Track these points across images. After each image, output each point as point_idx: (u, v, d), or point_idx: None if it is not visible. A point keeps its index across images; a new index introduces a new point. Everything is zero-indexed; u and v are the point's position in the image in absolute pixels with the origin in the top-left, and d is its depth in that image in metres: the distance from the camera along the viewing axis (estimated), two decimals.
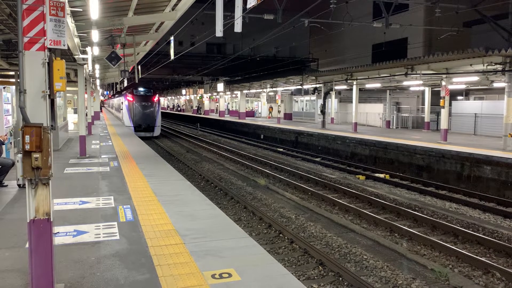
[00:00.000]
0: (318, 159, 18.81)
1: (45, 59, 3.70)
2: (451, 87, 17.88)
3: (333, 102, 30.81)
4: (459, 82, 19.70)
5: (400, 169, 15.72)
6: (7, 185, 8.33)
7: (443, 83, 16.95)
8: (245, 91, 37.55)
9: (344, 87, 25.36)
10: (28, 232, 3.71)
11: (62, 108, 17.96)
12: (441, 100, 17.13)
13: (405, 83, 21.39)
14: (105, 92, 58.23)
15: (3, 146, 8.67)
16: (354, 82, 22.45)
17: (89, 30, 10.50)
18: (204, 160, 18.50)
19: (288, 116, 37.43)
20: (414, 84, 22.09)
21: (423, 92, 25.79)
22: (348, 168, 16.57)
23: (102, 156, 12.94)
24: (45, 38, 3.67)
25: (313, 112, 34.62)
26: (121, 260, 4.65)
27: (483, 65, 14.58)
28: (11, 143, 10.59)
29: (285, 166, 16.26)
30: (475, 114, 21.23)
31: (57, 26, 3.79)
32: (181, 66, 42.42)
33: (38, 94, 3.69)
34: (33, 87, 3.67)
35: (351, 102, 24.64)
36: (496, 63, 14.14)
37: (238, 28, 8.70)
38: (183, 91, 56.11)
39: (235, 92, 39.89)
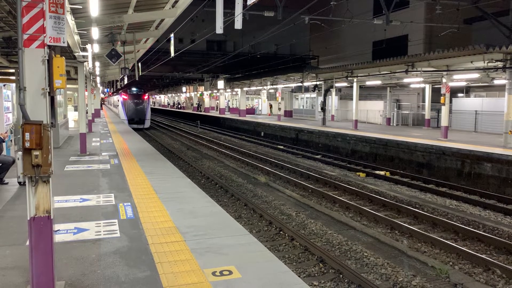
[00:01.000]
0: (318, 157, 18.80)
1: (45, 56, 3.69)
2: (451, 84, 17.86)
3: (333, 100, 30.78)
4: (459, 79, 19.67)
5: (400, 166, 15.72)
6: (8, 183, 8.34)
7: (444, 80, 16.92)
8: (245, 89, 37.51)
9: (345, 84, 25.34)
10: (28, 229, 3.71)
11: (62, 106, 17.96)
12: (441, 97, 17.11)
13: (406, 80, 21.36)
14: (106, 90, 58.19)
15: (4, 144, 8.66)
16: (355, 79, 22.41)
17: (89, 28, 10.48)
18: (204, 157, 18.50)
19: (288, 114, 37.41)
20: (414, 81, 22.06)
21: (423, 89, 25.77)
22: (348, 165, 16.56)
23: (103, 154, 12.94)
24: (44, 35, 3.66)
25: (313, 110, 34.59)
26: (121, 258, 4.65)
27: (484, 62, 14.55)
28: (11, 140, 10.60)
29: (285, 163, 16.26)
30: (476, 111, 21.21)
31: (56, 23, 3.78)
32: (181, 64, 42.36)
33: (38, 92, 3.68)
34: (33, 84, 3.66)
35: (352, 99, 24.62)
36: (496, 60, 14.10)
37: (238, 25, 8.68)
38: (183, 89, 56.06)
39: (236, 89, 39.85)
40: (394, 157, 16.22)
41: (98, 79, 29.30)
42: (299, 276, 5.53)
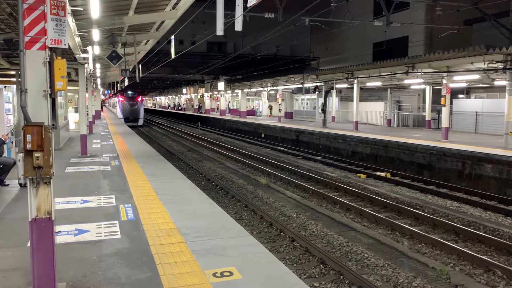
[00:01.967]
0: (319, 158, 18.81)
1: (46, 58, 3.70)
2: (452, 85, 17.87)
3: (334, 101, 30.77)
4: (460, 80, 19.67)
5: (401, 167, 15.72)
6: (9, 184, 8.35)
7: (444, 81, 16.93)
8: (246, 90, 37.53)
9: (345, 85, 25.34)
10: (29, 231, 3.72)
11: (63, 107, 17.98)
12: (442, 99, 17.11)
13: (406, 81, 21.36)
14: (106, 91, 58.24)
15: (5, 146, 8.68)
16: (355, 81, 22.43)
17: (90, 29, 10.50)
18: (205, 159, 18.51)
19: (289, 115, 37.42)
20: (415, 82, 22.06)
21: (424, 91, 25.77)
22: (349, 166, 16.56)
23: (103, 155, 12.95)
24: (46, 37, 3.67)
25: (314, 111, 34.60)
26: (122, 259, 4.66)
27: (484, 63, 14.55)
28: (12, 142, 10.62)
29: (286, 164, 16.26)
30: (476, 112, 21.20)
31: (58, 25, 3.79)
32: (182, 65, 42.40)
33: (39, 93, 3.70)
34: (34, 86, 3.68)
35: (352, 100, 24.63)
36: (497, 61, 14.10)
37: (238, 26, 8.70)
38: (184, 90, 56.11)
39: (236, 91, 39.87)
40: (395, 159, 16.22)
41: (98, 81, 29.34)
42: (299, 277, 5.54)
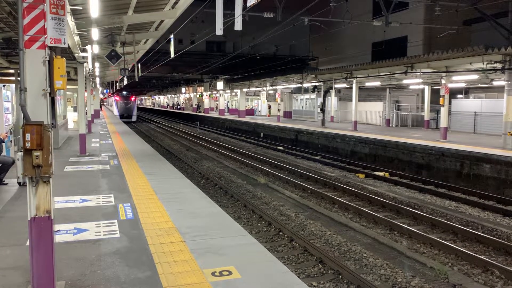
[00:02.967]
0: (317, 157, 18.82)
1: (46, 57, 3.71)
2: (451, 85, 17.89)
3: (332, 101, 30.82)
4: (458, 81, 19.70)
5: (399, 167, 15.74)
6: (8, 183, 8.35)
7: (443, 81, 16.95)
8: (245, 89, 37.52)
9: (344, 85, 25.36)
10: (29, 230, 3.73)
11: (62, 106, 17.96)
12: (440, 99, 17.14)
13: (405, 81, 21.38)
14: (105, 90, 58.23)
15: (3, 144, 8.68)
16: (354, 81, 22.44)
17: (89, 28, 10.50)
18: (204, 158, 18.51)
19: (288, 115, 37.43)
20: (413, 82, 22.09)
21: (422, 91, 25.78)
22: (347, 166, 16.58)
23: (102, 154, 12.95)
24: (45, 36, 3.68)
25: (312, 111, 34.62)
26: (121, 258, 4.67)
27: (483, 63, 14.58)
28: (11, 141, 10.61)
29: (284, 164, 16.27)
30: (475, 112, 21.24)
31: (57, 24, 3.80)
32: (181, 64, 42.40)
33: (39, 92, 3.70)
34: (34, 85, 3.68)
35: (351, 100, 24.65)
36: (495, 62, 14.14)
37: (238, 26, 8.71)
38: (183, 89, 56.09)
39: (235, 90, 39.87)
40: (394, 158, 16.24)
41: (97, 80, 29.33)
42: (298, 277, 5.55)
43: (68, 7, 7.55)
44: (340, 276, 6.18)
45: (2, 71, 17.07)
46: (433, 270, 6.52)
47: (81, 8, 8.47)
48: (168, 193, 7.82)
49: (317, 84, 26.59)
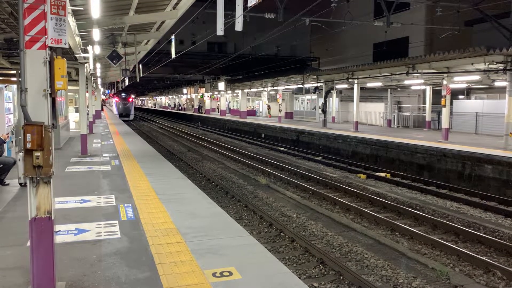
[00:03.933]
0: (319, 158, 18.80)
1: (46, 58, 3.70)
2: (452, 86, 17.87)
3: (334, 101, 30.77)
4: (460, 81, 19.67)
5: (401, 168, 15.71)
6: (9, 184, 8.35)
7: (445, 82, 16.93)
8: (246, 90, 37.53)
9: (345, 86, 25.35)
10: (29, 230, 3.73)
11: (64, 106, 17.97)
12: (442, 99, 17.11)
13: (406, 82, 21.37)
14: (106, 91, 58.37)
15: (5, 145, 8.68)
16: (355, 81, 22.43)
17: (90, 29, 10.50)
18: (205, 159, 18.51)
19: (289, 115, 37.42)
20: (415, 83, 22.07)
21: (424, 91, 25.77)
22: (349, 167, 16.56)
23: (104, 155, 12.96)
24: (46, 36, 3.68)
25: (314, 111, 34.61)
26: (122, 259, 4.66)
27: (485, 64, 14.55)
28: (12, 141, 10.62)
29: (286, 165, 16.26)
30: (476, 113, 21.20)
31: (58, 25, 3.80)
32: (182, 65, 42.45)
33: (39, 93, 3.70)
34: (34, 85, 3.68)
35: (352, 101, 24.64)
36: (497, 62, 14.10)
37: (239, 27, 8.70)
38: (184, 90, 56.13)
39: (236, 91, 39.88)
40: (395, 159, 16.22)
41: (99, 81, 29.36)
42: (299, 278, 5.54)
43: (69, 8, 7.56)
44: (341, 277, 6.16)
45: (4, 71, 17.09)
46: (435, 271, 6.50)
47: (82, 9, 8.49)
48: (169, 194, 7.81)
49: (319, 84, 26.58)
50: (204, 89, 47.26)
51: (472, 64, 15.10)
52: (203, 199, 7.48)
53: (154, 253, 4.81)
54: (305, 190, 12.17)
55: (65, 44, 3.85)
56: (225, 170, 15.65)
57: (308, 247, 7.21)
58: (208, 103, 49.90)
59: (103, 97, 53.43)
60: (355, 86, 22.81)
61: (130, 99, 49.32)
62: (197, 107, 53.28)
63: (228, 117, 40.16)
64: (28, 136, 3.57)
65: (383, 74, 19.77)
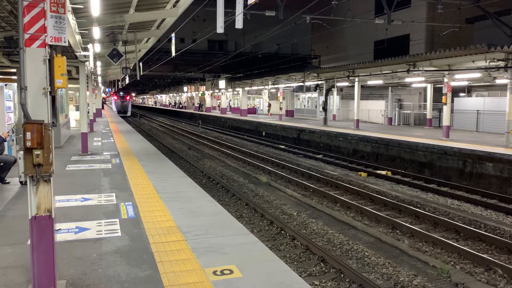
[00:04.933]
0: (320, 156, 18.79)
1: (46, 56, 3.69)
2: (453, 83, 17.84)
3: (335, 99, 30.75)
4: (461, 79, 19.62)
5: (402, 166, 15.70)
6: (9, 182, 8.36)
7: (445, 79, 16.90)
8: (246, 88, 37.49)
9: (346, 84, 25.31)
10: (30, 228, 3.72)
11: (65, 104, 17.97)
12: (443, 97, 17.09)
13: (407, 79, 21.33)
14: (107, 89, 58.46)
15: (5, 144, 8.68)
16: (356, 79, 22.40)
17: (90, 27, 10.49)
18: (205, 157, 18.51)
19: (290, 113, 37.39)
20: (416, 80, 22.02)
21: (425, 89, 25.73)
22: (350, 165, 16.55)
23: (104, 153, 12.96)
24: (45, 35, 3.67)
25: (315, 109, 34.58)
26: (122, 257, 4.66)
27: (486, 61, 14.52)
28: (13, 140, 10.62)
29: (286, 163, 16.25)
30: (477, 111, 21.16)
31: (58, 23, 3.78)
32: (182, 63, 42.36)
33: (39, 91, 3.69)
34: (34, 84, 3.67)
35: (353, 99, 24.60)
36: (498, 60, 14.07)
37: (239, 24, 8.70)
38: (185, 88, 56.13)
39: (237, 89, 39.85)
40: (396, 157, 16.20)
41: (99, 79, 29.34)
42: (300, 276, 5.53)
43: (68, 6, 7.54)
44: (342, 275, 6.16)
45: (4, 70, 17.08)
46: (436, 269, 6.50)
47: (82, 6, 8.47)
48: (170, 192, 7.81)
49: (319, 82, 26.55)
50: (204, 87, 47.23)
51: (473, 61, 15.07)
52: (204, 197, 7.47)
53: (155, 252, 4.81)
54: (305, 188, 12.16)
55: (65, 42, 3.84)
56: (225, 168, 15.65)
57: (309, 245, 7.20)
58: (208, 101, 49.87)
59: (103, 95, 53.54)
60: (356, 84, 22.78)
61: (128, 98, 55.31)
62: (198, 105, 53.26)
63: (229, 115, 40.14)
64: (28, 135, 3.56)
65: (384, 72, 19.74)
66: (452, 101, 20.17)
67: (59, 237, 5.13)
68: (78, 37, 10.71)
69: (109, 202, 7.05)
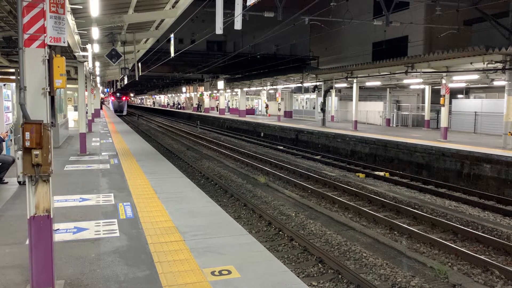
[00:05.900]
0: (318, 157, 18.81)
1: (45, 56, 3.70)
2: (451, 85, 17.88)
3: (333, 100, 30.80)
4: (459, 81, 19.69)
5: (400, 167, 15.73)
6: (8, 182, 8.35)
7: (444, 81, 16.94)
8: (245, 89, 37.50)
9: (344, 85, 25.36)
10: (28, 228, 3.73)
11: (62, 102, 17.94)
12: (441, 98, 17.13)
13: (405, 81, 21.38)
14: (106, 90, 58.51)
15: (3, 143, 8.68)
16: (354, 80, 22.43)
17: (90, 28, 10.49)
18: (204, 157, 18.51)
19: (288, 114, 37.41)
20: (414, 82, 22.08)
21: (423, 90, 25.78)
22: (348, 166, 16.57)
23: (102, 154, 12.95)
24: (45, 35, 3.68)
25: (313, 110, 34.61)
26: (121, 257, 4.67)
27: (484, 63, 14.56)
28: (11, 140, 10.61)
29: (285, 164, 16.27)
30: (475, 112, 21.22)
31: (57, 23, 3.79)
32: (181, 64, 42.35)
33: (38, 91, 3.70)
34: (33, 84, 3.68)
35: (351, 100, 24.63)
36: (496, 61, 14.11)
37: (238, 25, 8.70)
38: (183, 89, 56.13)
39: (235, 90, 39.85)
40: (394, 158, 16.24)
41: (98, 79, 29.33)
42: (298, 276, 5.55)
43: (68, 6, 7.55)
44: (339, 276, 6.18)
45: (3, 70, 17.06)
46: (433, 270, 6.52)
47: (81, 7, 8.47)
48: (168, 192, 7.82)
49: (318, 83, 26.58)
50: (203, 87, 47.23)
51: (471, 63, 15.11)
52: (202, 198, 7.48)
53: (153, 252, 4.82)
54: (304, 189, 12.18)
55: (64, 42, 3.85)
56: (224, 169, 15.66)
57: (307, 246, 7.22)
58: (207, 102, 49.87)
59: (102, 95, 53.50)
60: (354, 85, 22.81)
61: (123, 98, 59.91)
62: (196, 106, 53.24)
63: (227, 116, 40.15)
64: (27, 135, 3.57)
65: (382, 73, 19.78)
66: (450, 103, 20.20)
67: (57, 237, 5.14)
68: (77, 37, 10.71)
69: (107, 202, 7.06)
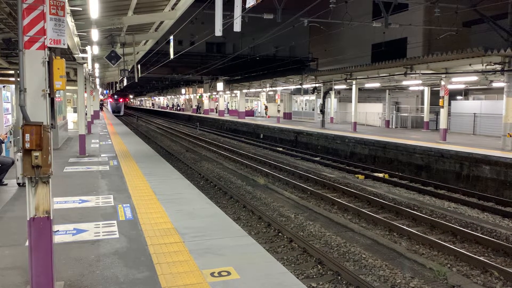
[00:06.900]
0: (317, 159, 18.83)
1: (45, 58, 3.71)
2: (450, 87, 17.90)
3: (332, 102, 30.82)
4: (458, 82, 19.72)
5: (399, 168, 15.74)
6: (7, 184, 8.35)
7: (443, 82, 16.97)
8: (244, 91, 37.53)
9: (344, 86, 25.38)
10: (28, 230, 3.73)
11: (63, 106, 17.95)
12: (440, 100, 17.15)
13: (405, 82, 21.40)
14: (105, 91, 58.38)
15: (3, 145, 8.68)
16: (354, 82, 22.46)
17: (89, 29, 10.51)
18: (203, 159, 18.51)
19: (287, 116, 37.44)
20: (413, 83, 22.11)
21: (422, 92, 25.81)
22: (347, 167, 16.59)
23: (102, 155, 12.95)
24: (45, 37, 3.69)
25: (312, 112, 34.64)
26: (120, 258, 4.67)
27: (482, 65, 14.59)
28: (10, 142, 10.62)
29: (284, 165, 16.28)
30: (474, 114, 21.25)
31: (57, 25, 3.81)
32: (180, 65, 42.38)
33: (38, 93, 3.71)
34: (33, 85, 3.69)
35: (351, 101, 24.65)
36: (495, 63, 14.15)
37: (237, 27, 8.71)
38: (183, 91, 56.14)
39: (235, 91, 39.88)
40: (393, 159, 16.25)
41: (97, 81, 29.34)
42: (297, 278, 5.55)
43: (67, 8, 7.57)
44: (339, 277, 6.18)
45: (2, 71, 17.07)
46: (432, 271, 6.53)
47: (81, 9, 8.49)
48: (168, 194, 7.82)
49: (317, 85, 26.61)
50: (202, 89, 47.22)
51: (470, 65, 15.14)
52: (202, 200, 7.49)
53: (153, 253, 4.82)
54: (303, 191, 12.18)
55: (64, 44, 3.86)
56: (223, 170, 15.66)
57: (306, 247, 7.22)
58: (206, 104, 49.87)
59: (101, 97, 53.34)
60: (354, 87, 22.84)
61: (121, 100, 66.37)
62: (196, 107, 53.24)
63: (227, 117, 40.16)
64: (27, 136, 3.58)
65: (381, 75, 19.81)
66: (449, 104, 20.23)
67: (57, 238, 5.14)
68: (76, 39, 10.72)
69: (107, 204, 7.06)
